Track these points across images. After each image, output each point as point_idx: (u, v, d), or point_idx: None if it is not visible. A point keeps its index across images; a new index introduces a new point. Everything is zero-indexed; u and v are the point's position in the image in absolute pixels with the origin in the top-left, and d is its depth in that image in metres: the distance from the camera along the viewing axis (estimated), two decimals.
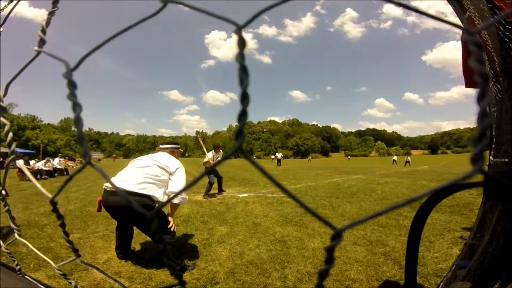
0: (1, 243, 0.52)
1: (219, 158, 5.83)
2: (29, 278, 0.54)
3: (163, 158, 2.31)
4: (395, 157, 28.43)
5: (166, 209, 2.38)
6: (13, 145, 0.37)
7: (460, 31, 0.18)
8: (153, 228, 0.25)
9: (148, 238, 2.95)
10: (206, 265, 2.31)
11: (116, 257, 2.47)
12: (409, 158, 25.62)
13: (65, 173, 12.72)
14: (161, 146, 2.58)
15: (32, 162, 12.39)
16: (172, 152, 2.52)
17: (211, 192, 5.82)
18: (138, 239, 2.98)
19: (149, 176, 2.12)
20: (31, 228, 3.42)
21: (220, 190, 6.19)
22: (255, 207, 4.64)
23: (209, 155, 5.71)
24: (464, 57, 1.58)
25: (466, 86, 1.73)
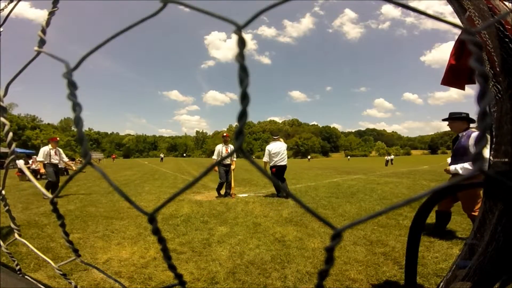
0: (1, 243, 0.52)
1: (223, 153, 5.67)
2: (29, 278, 0.54)
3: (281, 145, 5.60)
4: (387, 157, 24.75)
5: None
6: (13, 145, 0.37)
7: (458, 32, 0.18)
8: (153, 229, 0.25)
9: (148, 239, 2.95)
10: (206, 265, 2.31)
11: (116, 257, 2.47)
12: (392, 157, 24.22)
13: (65, 173, 12.71)
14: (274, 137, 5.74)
15: (32, 159, 12.43)
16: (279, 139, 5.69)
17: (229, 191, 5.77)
18: (138, 239, 2.98)
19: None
20: (31, 228, 3.42)
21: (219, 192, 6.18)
22: (255, 207, 4.64)
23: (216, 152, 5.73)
24: (452, 54, 1.57)
25: (441, 83, 1.67)
